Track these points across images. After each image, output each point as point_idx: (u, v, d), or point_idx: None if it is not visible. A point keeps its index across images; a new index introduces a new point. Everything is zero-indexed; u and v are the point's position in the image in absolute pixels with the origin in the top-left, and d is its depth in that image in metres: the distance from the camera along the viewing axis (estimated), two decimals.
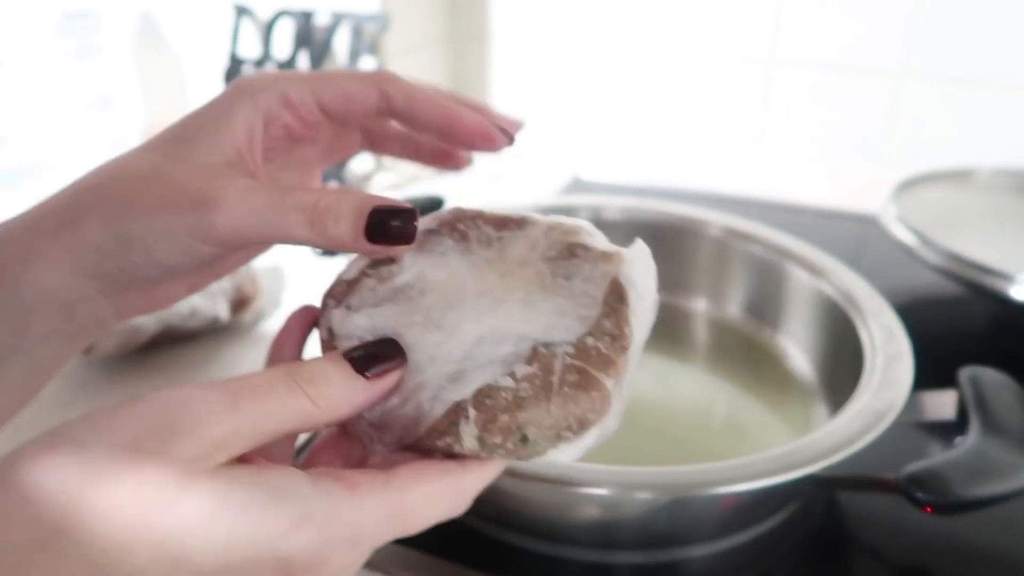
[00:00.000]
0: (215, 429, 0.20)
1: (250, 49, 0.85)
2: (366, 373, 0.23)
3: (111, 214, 0.25)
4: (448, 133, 0.29)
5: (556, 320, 0.24)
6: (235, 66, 0.84)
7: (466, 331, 0.24)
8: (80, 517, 0.18)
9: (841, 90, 0.80)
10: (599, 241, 0.27)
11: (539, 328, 0.24)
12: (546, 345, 0.23)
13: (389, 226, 0.25)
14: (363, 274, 0.26)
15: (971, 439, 0.37)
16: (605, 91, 0.90)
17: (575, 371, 0.23)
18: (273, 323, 0.60)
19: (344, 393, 0.23)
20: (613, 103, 0.90)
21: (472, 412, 0.22)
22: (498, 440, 0.22)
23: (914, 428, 0.47)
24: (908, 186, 0.68)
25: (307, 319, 0.28)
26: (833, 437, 0.36)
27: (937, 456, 0.35)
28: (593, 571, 0.39)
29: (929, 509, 0.34)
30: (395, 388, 0.24)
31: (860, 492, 0.42)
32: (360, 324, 0.25)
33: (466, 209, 0.28)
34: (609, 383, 0.23)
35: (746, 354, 0.56)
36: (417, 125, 0.30)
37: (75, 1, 0.77)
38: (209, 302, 0.55)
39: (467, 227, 0.27)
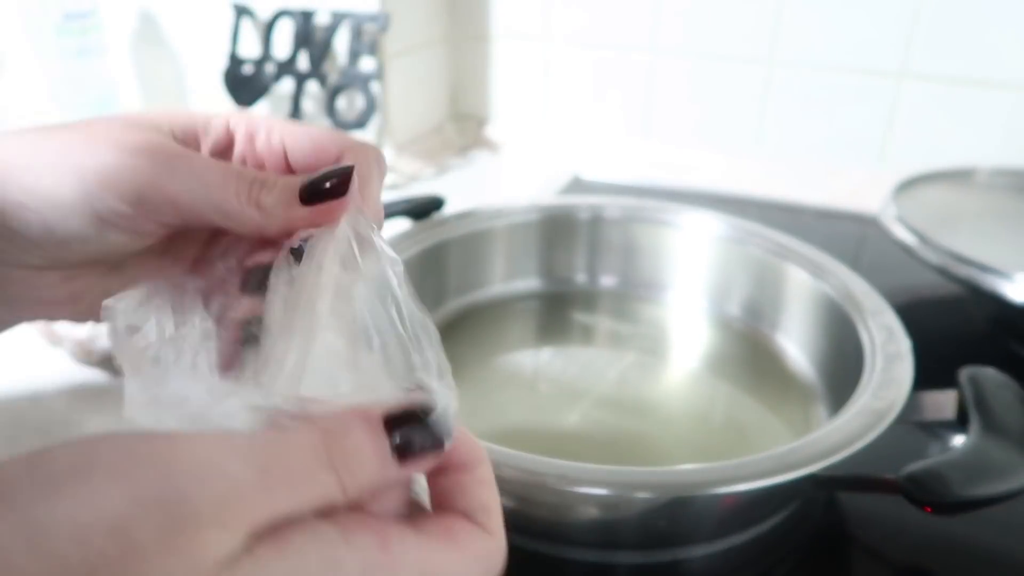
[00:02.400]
0: (245, 517, 0.16)
1: (250, 49, 0.85)
2: (403, 460, 0.19)
3: None
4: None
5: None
6: (235, 66, 0.84)
7: None
8: None
9: (841, 90, 0.80)
10: None
11: None
12: None
13: (323, 186, 0.24)
14: None
15: (971, 439, 0.37)
16: (605, 91, 0.90)
17: None
18: None
19: (374, 481, 0.19)
20: (613, 103, 0.90)
21: None
22: None
23: (914, 428, 0.47)
24: (908, 186, 0.68)
25: None
26: (833, 437, 0.36)
27: (937, 456, 0.35)
28: (593, 571, 0.39)
29: (929, 509, 0.34)
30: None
31: (860, 492, 0.42)
32: None
33: None
34: None
35: (746, 354, 0.56)
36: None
37: (75, 1, 0.77)
38: None
39: None
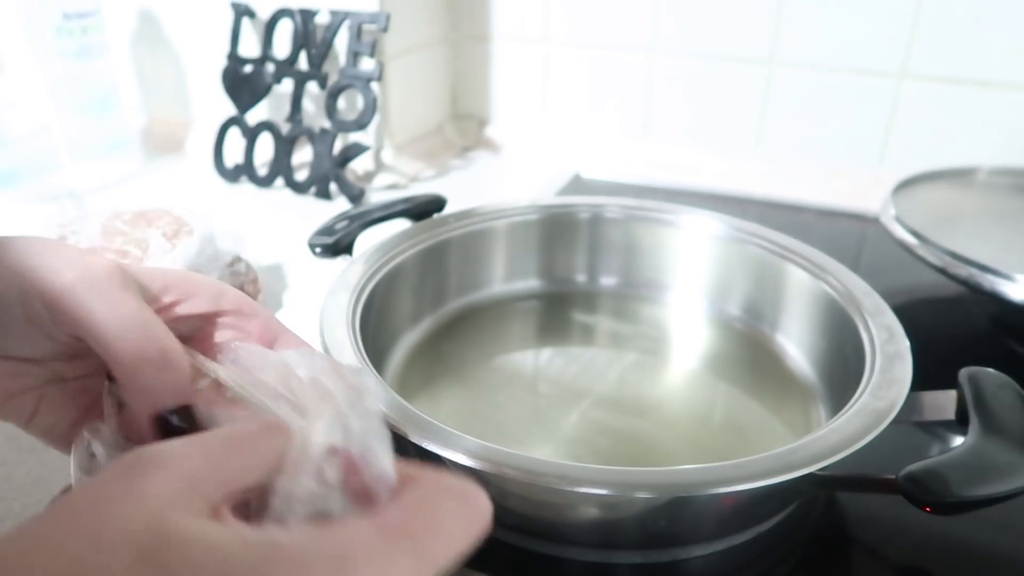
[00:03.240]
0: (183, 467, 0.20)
1: (250, 49, 0.85)
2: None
3: None
4: None
5: None
6: (235, 66, 0.84)
7: None
8: None
9: (841, 90, 0.80)
10: None
11: None
12: None
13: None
14: None
15: (971, 439, 0.37)
16: (605, 91, 0.90)
17: None
18: None
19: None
20: (613, 103, 0.90)
21: None
22: None
23: (914, 428, 0.47)
24: (907, 186, 0.68)
25: None
26: (833, 437, 0.36)
27: (937, 456, 0.35)
28: (593, 571, 0.39)
29: (929, 509, 0.34)
30: None
31: (860, 492, 0.42)
32: None
33: None
34: None
35: (746, 354, 0.56)
36: None
37: (75, 1, 0.77)
38: None
39: None
